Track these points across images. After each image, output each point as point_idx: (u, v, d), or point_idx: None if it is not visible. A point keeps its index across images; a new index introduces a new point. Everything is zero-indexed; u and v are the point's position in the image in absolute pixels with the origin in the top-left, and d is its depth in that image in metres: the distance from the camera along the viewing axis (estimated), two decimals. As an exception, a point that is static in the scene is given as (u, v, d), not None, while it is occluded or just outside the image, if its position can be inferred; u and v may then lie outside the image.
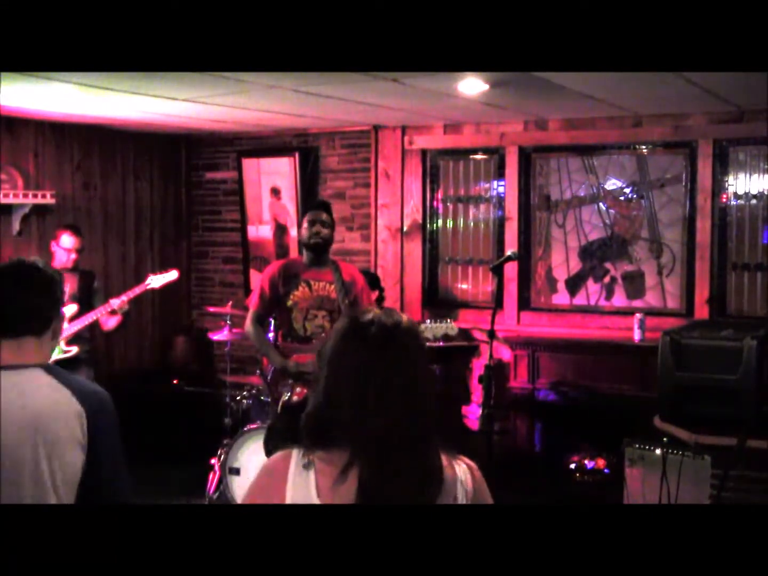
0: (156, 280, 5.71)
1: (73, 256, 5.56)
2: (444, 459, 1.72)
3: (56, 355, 5.34)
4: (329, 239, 4.67)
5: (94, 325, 5.54)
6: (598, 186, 6.05)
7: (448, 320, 4.99)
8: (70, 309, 5.49)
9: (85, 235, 6.65)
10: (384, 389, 1.64)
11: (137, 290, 5.60)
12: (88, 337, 5.59)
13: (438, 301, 6.62)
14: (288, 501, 1.68)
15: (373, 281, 5.66)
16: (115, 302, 5.43)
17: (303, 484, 1.67)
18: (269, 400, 4.98)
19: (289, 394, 4.51)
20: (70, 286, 5.56)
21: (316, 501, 1.65)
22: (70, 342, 5.42)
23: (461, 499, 1.71)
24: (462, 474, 1.73)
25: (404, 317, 1.75)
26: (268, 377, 4.72)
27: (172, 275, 5.77)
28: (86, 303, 5.60)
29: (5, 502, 2.02)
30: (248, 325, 4.67)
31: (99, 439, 2.11)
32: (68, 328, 5.39)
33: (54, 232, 5.68)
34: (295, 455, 1.71)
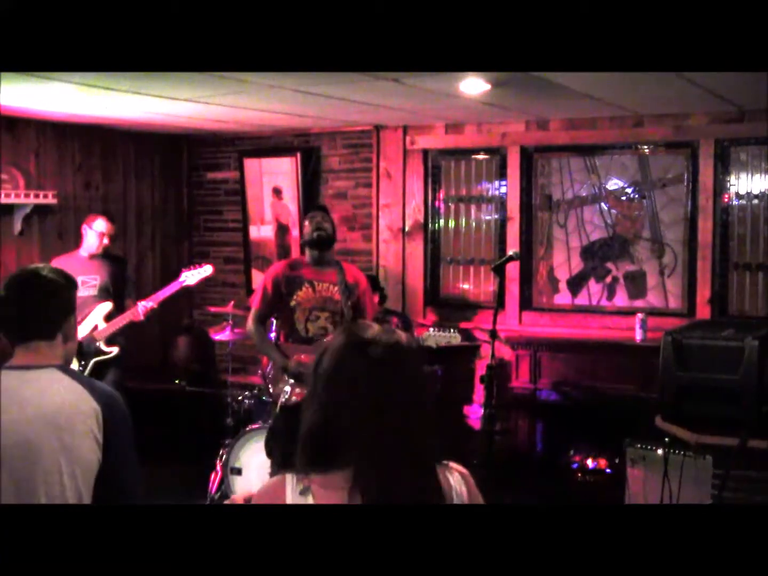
0: (191, 277, 5.53)
1: (105, 241, 5.46)
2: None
3: (97, 357, 5.29)
4: (332, 235, 4.66)
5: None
6: (599, 186, 6.04)
7: (452, 330, 4.96)
8: (105, 307, 5.35)
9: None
10: (384, 409, 1.61)
11: (174, 287, 5.44)
12: (124, 338, 5.47)
13: (439, 301, 6.62)
14: None
15: (374, 283, 5.65)
16: (147, 304, 5.27)
17: None
18: (270, 400, 4.99)
19: (288, 394, 4.51)
20: (100, 275, 5.45)
21: None
22: (110, 342, 5.32)
23: None
24: (456, 483, 1.71)
25: (404, 336, 1.71)
26: (268, 377, 4.72)
27: (207, 270, 5.56)
28: (119, 293, 5.46)
29: (24, 500, 2.04)
30: (250, 324, 4.67)
31: (114, 436, 2.15)
32: (106, 328, 5.30)
33: (86, 216, 5.61)
34: (290, 481, 1.67)
